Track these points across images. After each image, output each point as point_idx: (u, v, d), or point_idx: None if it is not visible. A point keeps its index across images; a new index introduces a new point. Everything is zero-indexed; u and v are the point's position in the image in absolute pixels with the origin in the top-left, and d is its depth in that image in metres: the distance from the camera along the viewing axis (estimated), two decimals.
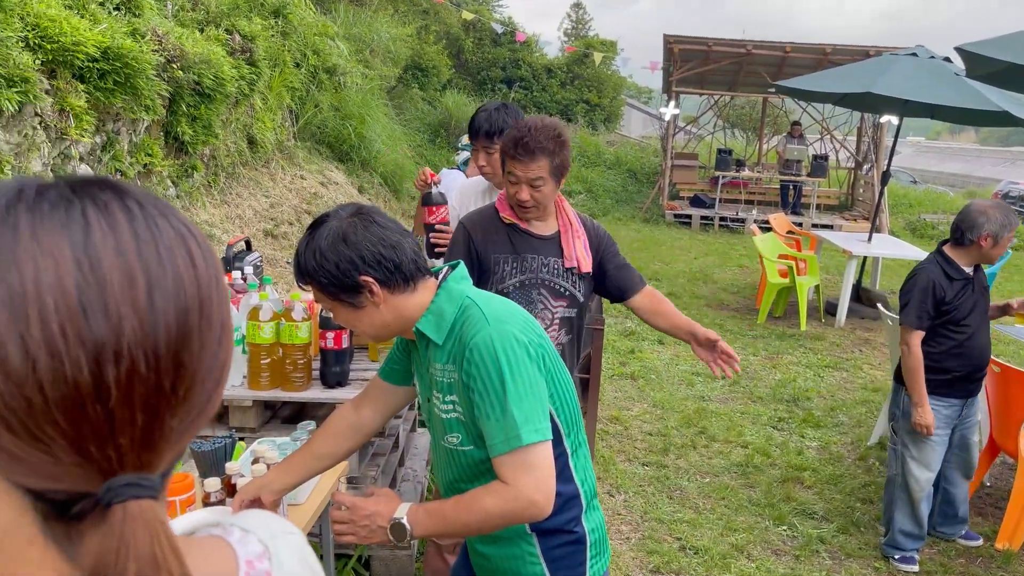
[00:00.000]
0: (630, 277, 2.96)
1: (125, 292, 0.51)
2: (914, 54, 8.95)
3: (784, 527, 4.65)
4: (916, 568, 4.22)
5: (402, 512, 1.73)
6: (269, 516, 0.73)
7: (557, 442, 1.83)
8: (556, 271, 2.80)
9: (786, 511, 4.80)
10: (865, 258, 9.94)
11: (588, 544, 1.93)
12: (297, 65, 11.92)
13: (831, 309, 9.74)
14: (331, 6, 16.57)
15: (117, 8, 7.43)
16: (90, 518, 0.54)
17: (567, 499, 1.88)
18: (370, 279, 1.71)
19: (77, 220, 0.52)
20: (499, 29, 14.04)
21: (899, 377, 4.11)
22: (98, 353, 0.50)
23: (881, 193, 10.15)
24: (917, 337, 3.93)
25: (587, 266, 2.85)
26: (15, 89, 5.29)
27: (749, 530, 4.58)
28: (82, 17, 6.63)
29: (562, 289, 2.82)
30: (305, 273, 1.73)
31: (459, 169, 5.08)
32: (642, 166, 21.42)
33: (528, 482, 1.64)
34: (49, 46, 5.79)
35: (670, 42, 16.45)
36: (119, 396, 0.51)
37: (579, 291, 2.86)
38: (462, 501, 1.71)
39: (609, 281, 2.95)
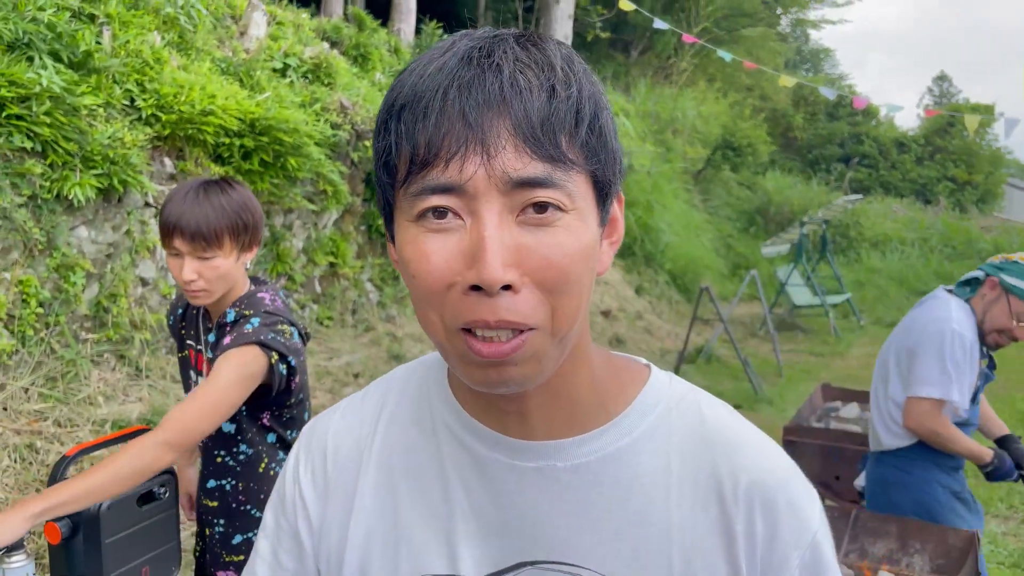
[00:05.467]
0: None
1: None
2: None
3: None
4: None
5: None
6: None
7: None
8: None
9: None
10: None
11: None
12: None
13: None
14: (632, 82, 14.89)
15: (305, 76, 6.14)
16: None
17: None
18: None
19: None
20: (830, 94, 11.25)
21: None
22: None
23: None
24: None
25: None
26: (95, 171, 3.92)
27: None
28: (242, 85, 5.32)
29: None
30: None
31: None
32: None
33: None
34: (167, 117, 4.47)
35: None
36: None
37: None
38: None
39: None
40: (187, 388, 2.04)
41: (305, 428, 0.90)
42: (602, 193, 0.69)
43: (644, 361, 0.84)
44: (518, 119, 0.62)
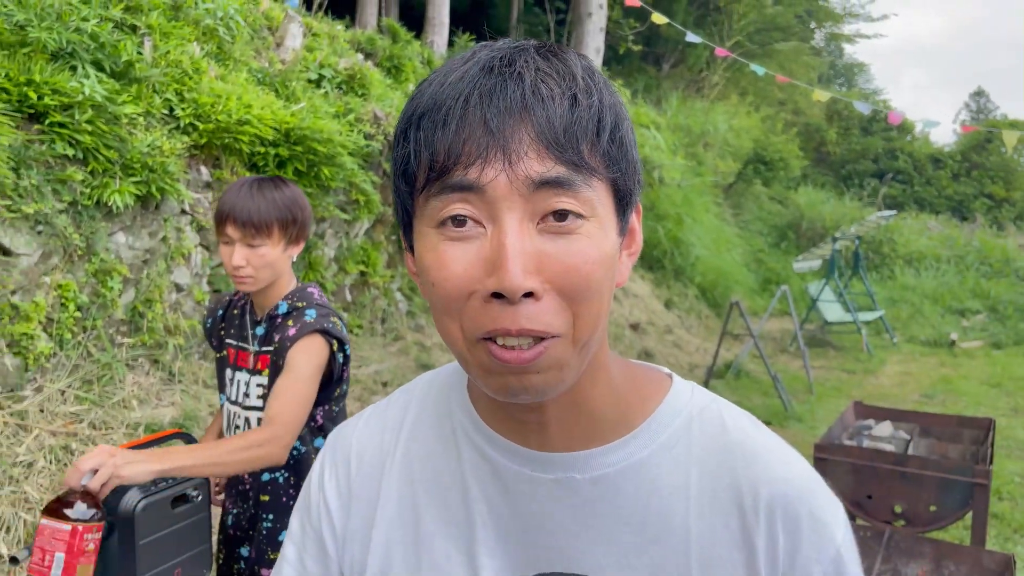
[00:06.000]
0: None
1: None
2: None
3: None
4: None
5: None
6: None
7: None
8: None
9: None
10: None
11: None
12: None
13: None
14: (664, 96, 14.86)
15: (339, 87, 6.21)
16: None
17: None
18: None
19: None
20: (864, 109, 11.15)
21: None
22: None
23: None
24: None
25: None
26: (134, 179, 3.99)
27: None
28: (278, 96, 5.39)
29: None
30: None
31: None
32: None
33: None
34: (204, 126, 4.54)
35: None
36: None
37: None
38: None
39: None
40: (222, 388, 2.09)
41: (330, 435, 0.91)
42: (622, 203, 0.68)
43: (666, 371, 0.82)
44: (541, 126, 0.62)
